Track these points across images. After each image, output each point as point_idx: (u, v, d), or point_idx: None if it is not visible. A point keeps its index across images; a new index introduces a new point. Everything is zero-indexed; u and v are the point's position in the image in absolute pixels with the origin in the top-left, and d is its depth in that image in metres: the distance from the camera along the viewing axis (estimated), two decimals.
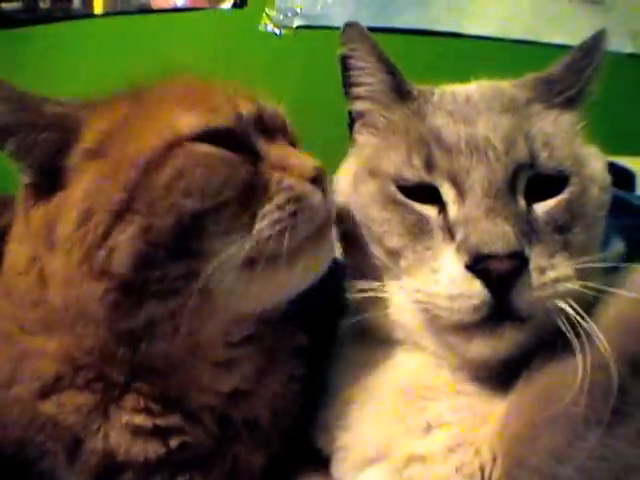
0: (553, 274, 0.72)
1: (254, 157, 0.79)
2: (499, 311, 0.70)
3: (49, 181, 0.77)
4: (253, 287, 0.75)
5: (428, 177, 0.77)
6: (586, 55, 0.84)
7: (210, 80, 0.87)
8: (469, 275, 0.70)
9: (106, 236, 0.71)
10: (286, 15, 1.88)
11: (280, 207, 0.74)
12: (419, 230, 0.76)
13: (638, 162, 1.47)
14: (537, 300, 0.71)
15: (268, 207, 0.74)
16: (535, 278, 0.70)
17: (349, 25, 0.89)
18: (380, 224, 0.80)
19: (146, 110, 0.79)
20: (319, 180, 0.78)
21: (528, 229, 0.73)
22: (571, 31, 1.76)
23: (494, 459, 0.70)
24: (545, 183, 0.77)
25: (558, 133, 0.80)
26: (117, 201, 0.71)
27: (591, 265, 0.74)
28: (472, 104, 0.82)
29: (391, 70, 0.87)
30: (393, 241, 0.78)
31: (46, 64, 1.93)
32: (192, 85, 0.86)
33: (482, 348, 0.73)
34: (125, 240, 0.70)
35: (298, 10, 1.88)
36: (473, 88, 0.86)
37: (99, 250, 0.71)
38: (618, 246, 0.93)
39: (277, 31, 1.88)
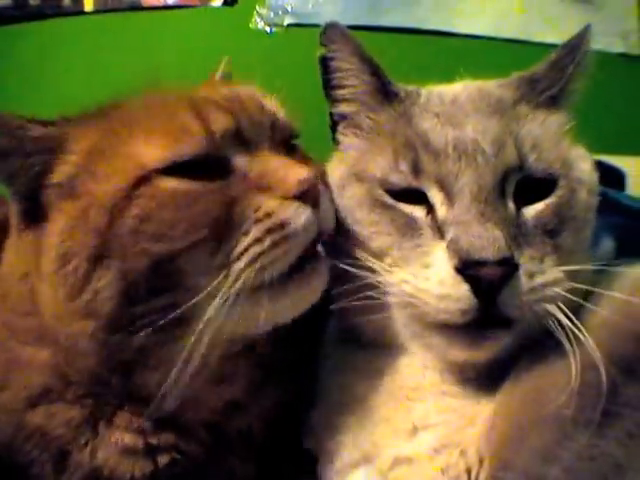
0: (542, 278, 0.71)
1: (231, 178, 0.73)
2: (486, 314, 0.70)
3: (34, 209, 0.75)
4: (238, 319, 0.70)
5: (415, 182, 0.77)
6: (569, 52, 0.83)
7: (180, 92, 0.80)
8: (458, 278, 0.69)
9: (87, 280, 0.69)
10: (277, 13, 1.88)
11: (259, 240, 0.69)
12: (408, 229, 0.76)
13: (628, 161, 1.48)
14: (525, 304, 0.70)
15: (245, 242, 0.69)
16: (524, 283, 0.70)
17: (330, 25, 0.86)
18: (367, 226, 0.79)
19: (112, 141, 0.74)
20: (307, 194, 0.71)
21: (517, 233, 0.73)
22: (562, 30, 1.76)
23: (481, 461, 0.70)
24: (534, 186, 0.76)
25: (546, 135, 0.79)
26: (91, 246, 0.69)
27: (581, 268, 0.73)
28: (459, 106, 0.81)
29: (375, 71, 0.85)
30: (380, 241, 0.77)
31: (36, 61, 1.92)
32: (158, 107, 0.77)
33: (466, 351, 0.73)
34: (106, 285, 0.69)
35: (289, 8, 1.87)
36: (460, 89, 0.85)
37: (82, 293, 0.70)
38: (608, 245, 0.93)
39: (268, 29, 1.88)
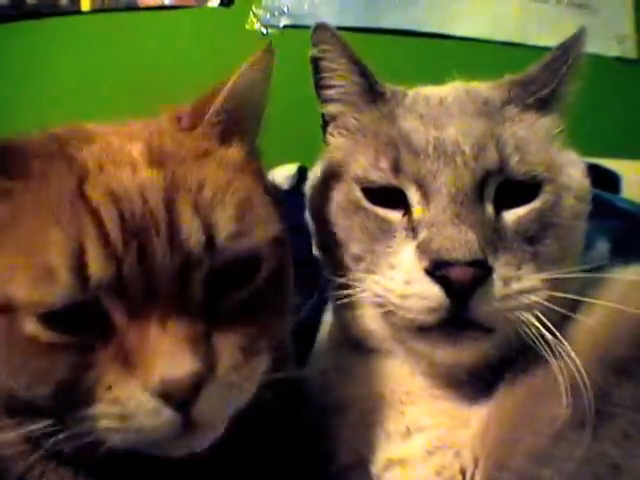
0: (518, 286, 0.70)
1: (111, 336, 0.60)
2: (458, 317, 0.69)
3: None
4: None
5: (395, 180, 0.76)
6: (563, 54, 0.82)
7: (63, 183, 0.62)
8: (427, 279, 0.69)
9: None
10: (273, 14, 1.88)
11: (103, 415, 0.60)
12: (381, 233, 0.75)
13: (623, 164, 1.48)
14: (498, 311, 0.69)
15: (91, 410, 0.59)
16: (498, 289, 0.69)
17: (319, 26, 0.85)
18: (344, 231, 0.79)
19: None
20: (171, 396, 0.58)
21: (495, 237, 0.71)
22: (557, 34, 1.76)
23: (476, 462, 0.70)
24: (517, 190, 0.75)
25: (532, 137, 0.78)
26: None
27: (562, 276, 0.72)
28: (444, 107, 0.80)
29: (363, 71, 0.84)
30: (355, 247, 0.77)
31: (32, 60, 1.92)
32: (30, 237, 0.60)
33: (445, 354, 0.72)
34: None
35: (285, 9, 1.87)
36: (447, 90, 0.85)
37: None
38: (603, 248, 0.93)
39: (264, 30, 1.88)
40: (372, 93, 0.84)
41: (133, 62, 1.90)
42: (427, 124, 0.77)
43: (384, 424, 0.76)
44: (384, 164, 0.76)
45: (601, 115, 1.60)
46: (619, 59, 1.90)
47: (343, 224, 0.79)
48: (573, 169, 0.79)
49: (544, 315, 0.69)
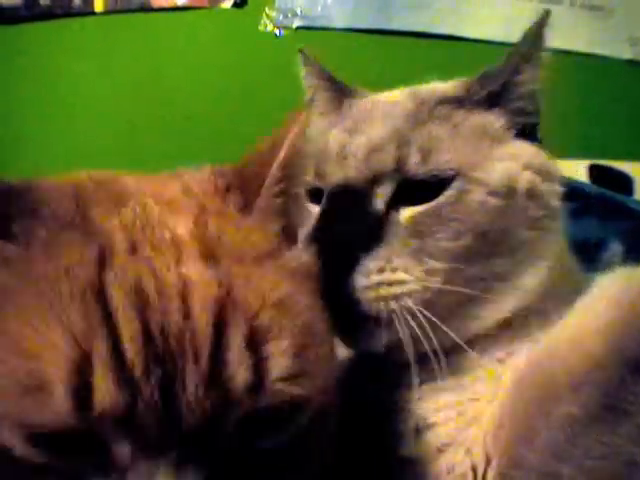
0: (389, 276, 0.73)
1: (100, 468, 0.46)
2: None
3: None
4: None
5: (318, 183, 0.82)
6: (521, 45, 0.83)
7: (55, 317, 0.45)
8: None
9: None
10: (286, 15, 1.88)
11: None
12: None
13: (636, 167, 1.48)
14: (370, 299, 0.72)
15: None
16: (369, 275, 0.72)
17: (301, 51, 0.97)
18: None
19: None
20: None
21: (381, 232, 0.74)
22: (571, 36, 1.77)
23: (488, 459, 0.70)
24: (419, 187, 0.76)
25: (452, 135, 0.78)
26: None
27: (454, 267, 0.74)
28: (374, 112, 0.84)
29: (331, 86, 0.93)
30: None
31: (46, 61, 1.93)
32: (25, 326, 0.45)
33: (346, 342, 0.77)
34: None
35: (298, 11, 1.87)
36: (393, 94, 0.89)
37: None
38: (616, 249, 0.93)
39: (277, 31, 1.88)
40: (337, 103, 0.91)
41: (146, 62, 1.91)
42: (347, 130, 0.83)
43: (393, 423, 0.76)
44: (310, 169, 0.82)
45: (613, 118, 1.60)
46: (632, 62, 1.89)
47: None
48: (502, 163, 0.79)
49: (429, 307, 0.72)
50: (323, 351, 0.53)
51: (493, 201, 0.76)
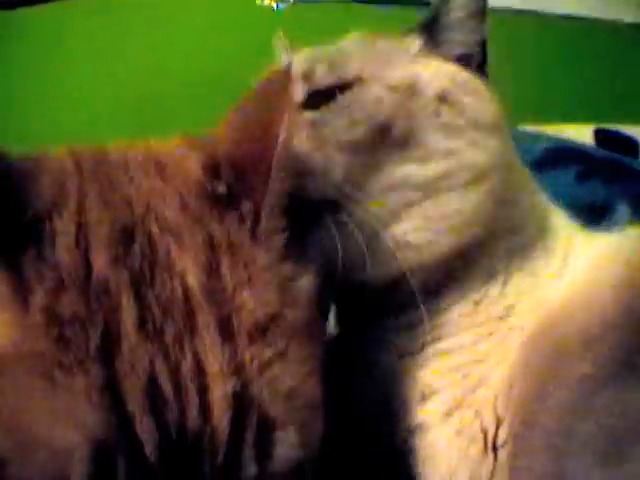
0: None
1: None
2: None
3: None
4: None
5: None
6: None
7: None
8: None
9: None
10: None
11: None
12: None
13: None
14: None
15: None
16: None
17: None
18: None
19: None
20: None
21: None
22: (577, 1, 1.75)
23: (499, 421, 0.70)
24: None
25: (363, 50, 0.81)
26: None
27: None
28: None
29: None
30: None
31: (45, 46, 1.92)
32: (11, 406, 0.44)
33: None
34: None
35: None
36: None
37: None
38: (624, 211, 0.93)
39: (274, 5, 1.87)
40: None
41: (144, 39, 1.90)
42: None
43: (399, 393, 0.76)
44: None
45: (619, 81, 1.59)
46: (635, 25, 1.87)
47: None
48: (410, 67, 0.79)
49: None
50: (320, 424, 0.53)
51: (391, 96, 0.75)
